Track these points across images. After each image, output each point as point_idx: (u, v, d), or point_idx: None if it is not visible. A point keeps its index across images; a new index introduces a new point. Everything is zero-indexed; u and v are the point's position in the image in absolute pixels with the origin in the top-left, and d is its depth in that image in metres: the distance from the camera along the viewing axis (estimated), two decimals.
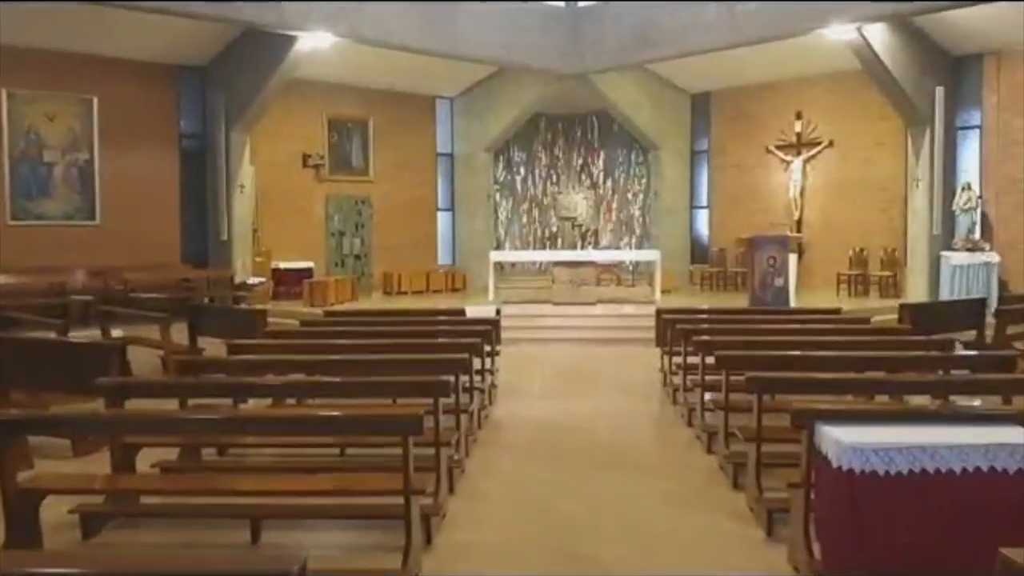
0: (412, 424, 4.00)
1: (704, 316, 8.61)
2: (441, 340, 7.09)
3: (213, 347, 9.79)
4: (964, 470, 3.80)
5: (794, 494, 4.45)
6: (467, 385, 6.65)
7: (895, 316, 13.58)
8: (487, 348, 8.13)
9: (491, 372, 8.14)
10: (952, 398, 5.75)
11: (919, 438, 3.89)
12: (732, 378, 6.00)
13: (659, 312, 9.11)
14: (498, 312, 9.14)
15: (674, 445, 7.02)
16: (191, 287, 15.21)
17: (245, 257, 15.46)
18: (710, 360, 6.67)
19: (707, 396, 6.81)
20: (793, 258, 13.34)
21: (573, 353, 11.82)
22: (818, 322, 8.46)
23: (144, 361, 10.00)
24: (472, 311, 8.98)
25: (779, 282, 12.92)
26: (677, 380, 8.20)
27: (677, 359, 8.20)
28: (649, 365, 10.53)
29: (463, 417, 6.17)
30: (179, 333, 10.16)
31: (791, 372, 5.99)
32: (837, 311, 9.14)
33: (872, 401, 6.36)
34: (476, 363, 7.20)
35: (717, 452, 6.39)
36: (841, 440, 3.89)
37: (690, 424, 7.38)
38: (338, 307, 14.44)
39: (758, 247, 12.92)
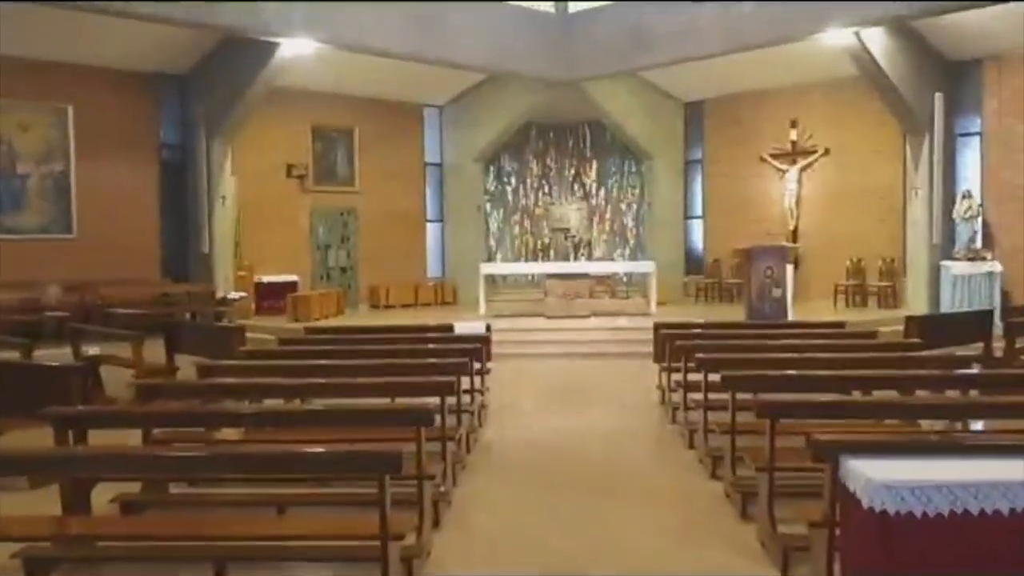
0: (389, 462, 3.55)
1: (704, 331, 8.19)
2: (426, 361, 6.64)
3: (190, 365, 9.32)
4: (1012, 511, 3.38)
5: (815, 533, 4.02)
6: (454, 407, 6.21)
7: (897, 328, 13.28)
8: (477, 366, 7.70)
9: (480, 392, 7.69)
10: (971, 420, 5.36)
11: (960, 474, 3.46)
12: (738, 397, 5.57)
13: (657, 327, 8.68)
14: (488, 328, 8.69)
15: (676, 470, 6.58)
16: (171, 302, 14.69)
17: (227, 271, 14.99)
18: (713, 377, 6.25)
19: (711, 416, 6.38)
20: (790, 269, 12.97)
21: (567, 368, 11.39)
22: (823, 336, 8.05)
23: (121, 380, 9.52)
24: (461, 327, 8.54)
25: (777, 293, 12.53)
26: (677, 398, 7.78)
27: (677, 376, 7.78)
28: (645, 381, 10.11)
29: (449, 444, 5.72)
30: (158, 350, 9.68)
31: (801, 392, 5.59)
32: (841, 325, 8.74)
33: (882, 424, 5.96)
34: (465, 382, 6.77)
35: (723, 478, 5.96)
36: (872, 477, 3.46)
37: (691, 446, 6.94)
38: (322, 322, 13.98)
39: (755, 258, 12.53)
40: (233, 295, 12.60)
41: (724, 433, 5.72)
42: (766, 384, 5.51)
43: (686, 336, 7.85)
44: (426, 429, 4.63)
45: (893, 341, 7.93)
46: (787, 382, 5.79)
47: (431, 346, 7.50)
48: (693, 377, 7.10)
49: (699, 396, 6.81)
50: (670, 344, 7.70)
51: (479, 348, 6.83)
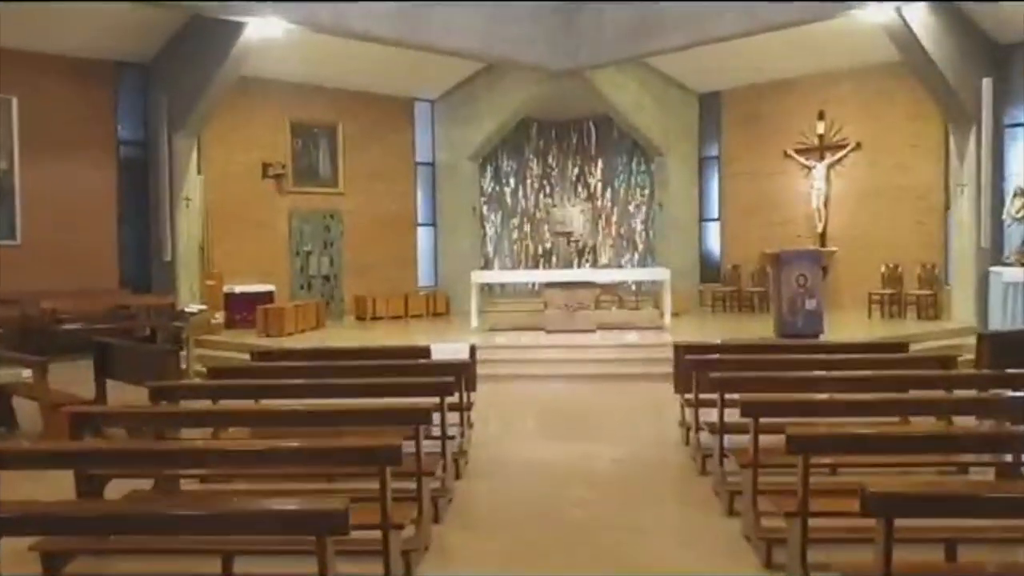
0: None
1: (740, 357, 6.59)
2: (379, 406, 5.08)
3: (125, 394, 7.84)
4: None
5: None
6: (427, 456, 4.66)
7: (940, 343, 11.76)
8: (455, 397, 6.18)
9: (455, 436, 6.14)
10: None
11: None
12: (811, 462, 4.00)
13: (680, 349, 7.10)
14: (473, 352, 7.14)
15: (716, 551, 4.97)
16: (130, 316, 13.22)
17: (192, 281, 13.49)
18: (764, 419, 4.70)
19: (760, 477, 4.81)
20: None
21: (569, 394, 9.82)
22: (888, 364, 6.45)
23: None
24: (440, 350, 7.01)
25: (811, 305, 10.97)
26: (707, 440, 6.20)
27: (708, 414, 6.22)
28: (662, 410, 8.57)
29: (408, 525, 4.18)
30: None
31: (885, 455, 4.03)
32: (904, 347, 7.15)
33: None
34: (444, 415, 5.24)
35: (784, 568, 4.38)
36: None
37: (731, 512, 5.34)
38: (296, 338, 12.47)
39: (785, 264, 10.98)
40: (191, 308, 11.10)
41: (791, 516, 4.12)
42: (849, 445, 3.99)
43: (719, 364, 6.27)
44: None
45: (978, 373, 6.35)
46: (869, 444, 4.20)
47: (395, 380, 5.95)
48: (731, 413, 5.52)
49: (742, 438, 5.24)
50: (699, 374, 6.14)
51: (450, 385, 5.27)
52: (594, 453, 6.93)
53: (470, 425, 6.98)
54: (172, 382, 7.19)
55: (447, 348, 7.13)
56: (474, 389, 7.13)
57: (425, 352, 7.03)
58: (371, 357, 6.89)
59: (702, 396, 6.28)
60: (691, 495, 5.86)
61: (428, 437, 5.12)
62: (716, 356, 6.50)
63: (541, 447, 7.09)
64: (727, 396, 5.40)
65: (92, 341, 11.57)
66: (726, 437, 5.45)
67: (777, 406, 4.73)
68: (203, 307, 11.56)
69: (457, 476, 5.94)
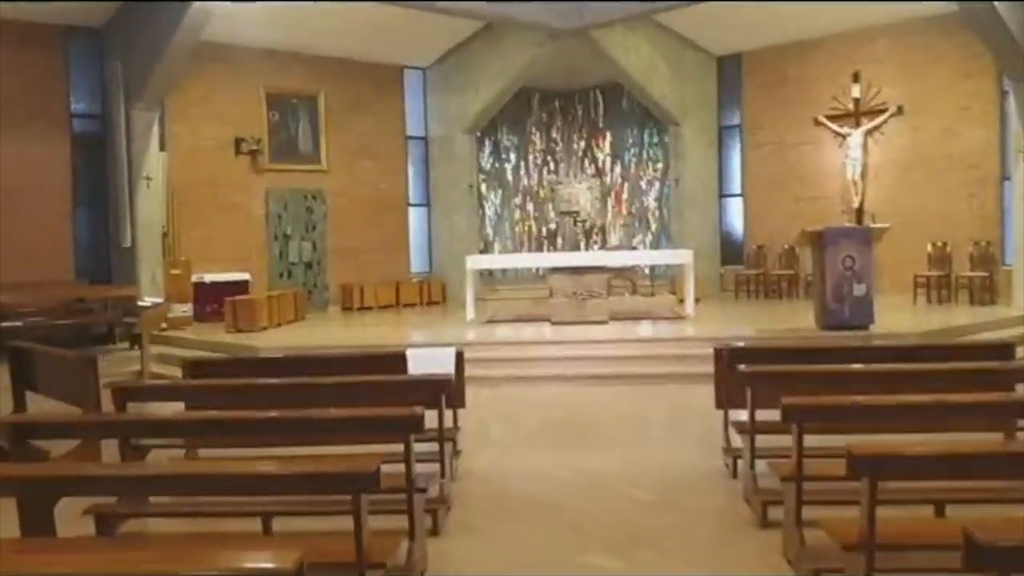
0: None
1: (802, 369, 5.02)
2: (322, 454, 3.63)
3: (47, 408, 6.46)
4: None
5: None
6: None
7: (999, 333, 10.23)
8: (439, 416, 4.73)
9: (436, 475, 4.67)
10: None
11: None
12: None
13: (722, 354, 5.58)
14: (460, 358, 5.66)
15: None
16: (86, 310, 11.81)
17: (155, 269, 12.04)
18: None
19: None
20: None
21: (577, 402, 8.33)
22: (989, 376, 4.96)
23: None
24: (418, 357, 5.55)
25: (860, 291, 9.47)
26: (767, 484, 4.70)
27: (762, 440, 4.75)
28: (694, 423, 7.12)
29: None
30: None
31: None
32: (1008, 350, 5.61)
33: None
34: (411, 464, 3.79)
35: None
36: None
37: None
38: (271, 333, 11.03)
39: (830, 243, 9.47)
40: (145, 301, 9.67)
41: None
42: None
43: (786, 377, 4.77)
44: None
45: None
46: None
47: (365, 399, 4.49)
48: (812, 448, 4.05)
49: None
50: (756, 390, 4.66)
51: (418, 420, 3.77)
52: (613, 489, 5.44)
53: (456, 453, 5.52)
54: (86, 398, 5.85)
55: (426, 356, 5.66)
56: (462, 406, 5.68)
57: (399, 361, 5.56)
58: (326, 369, 5.41)
59: (760, 417, 4.80)
60: (750, 557, 4.37)
61: (391, 490, 3.67)
62: (779, 367, 4.96)
63: (545, 485, 5.60)
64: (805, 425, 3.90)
65: (68, 335, 10.24)
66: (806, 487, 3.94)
67: (896, 460, 3.22)
68: (157, 300, 10.08)
69: (434, 531, 4.47)
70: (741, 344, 6.87)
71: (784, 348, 5.94)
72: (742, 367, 4.85)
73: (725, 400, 5.55)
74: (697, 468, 5.78)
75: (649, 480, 5.57)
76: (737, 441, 5.47)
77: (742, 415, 5.28)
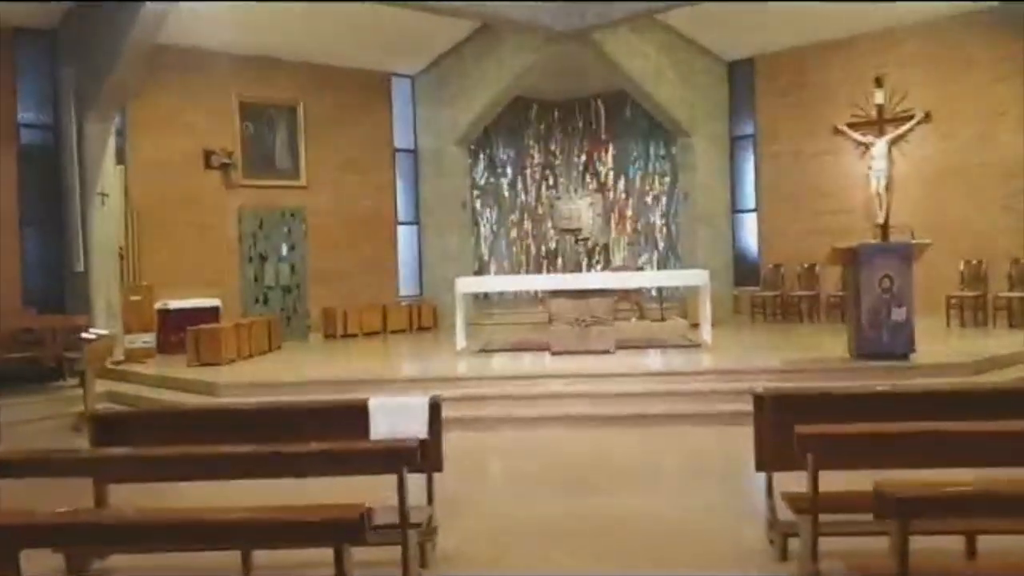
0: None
1: (870, 429, 3.80)
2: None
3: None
4: None
5: None
6: None
7: None
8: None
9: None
10: None
11: None
12: None
13: (763, 402, 4.40)
14: (436, 408, 4.49)
15: None
16: (36, 340, 10.63)
17: (110, 295, 10.89)
18: None
19: None
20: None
21: (581, 450, 7.09)
22: None
23: None
24: (383, 408, 4.39)
25: (899, 315, 8.34)
26: (826, 560, 3.54)
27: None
28: (723, 483, 5.96)
29: None
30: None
31: None
32: None
33: None
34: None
35: None
36: None
37: None
38: (239, 365, 9.86)
39: (865, 262, 8.34)
40: (91, 333, 8.52)
41: None
42: None
43: (859, 441, 3.59)
44: None
45: None
46: None
47: (258, 518, 3.31)
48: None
49: None
50: (817, 456, 3.49)
51: (354, 527, 2.57)
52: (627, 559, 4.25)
53: (431, 532, 4.33)
54: None
55: (395, 407, 4.50)
56: (438, 469, 4.50)
57: (360, 412, 4.40)
58: (268, 425, 4.24)
59: (823, 488, 3.63)
60: None
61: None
62: (848, 429, 3.76)
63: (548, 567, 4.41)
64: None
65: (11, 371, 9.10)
66: None
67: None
68: (102, 332, 8.90)
69: None
70: (786, 387, 5.68)
71: (843, 394, 4.74)
72: (800, 428, 3.64)
73: (768, 461, 4.37)
74: (735, 553, 4.55)
75: (674, 560, 4.36)
76: (785, 513, 4.32)
77: (790, 477, 4.15)
